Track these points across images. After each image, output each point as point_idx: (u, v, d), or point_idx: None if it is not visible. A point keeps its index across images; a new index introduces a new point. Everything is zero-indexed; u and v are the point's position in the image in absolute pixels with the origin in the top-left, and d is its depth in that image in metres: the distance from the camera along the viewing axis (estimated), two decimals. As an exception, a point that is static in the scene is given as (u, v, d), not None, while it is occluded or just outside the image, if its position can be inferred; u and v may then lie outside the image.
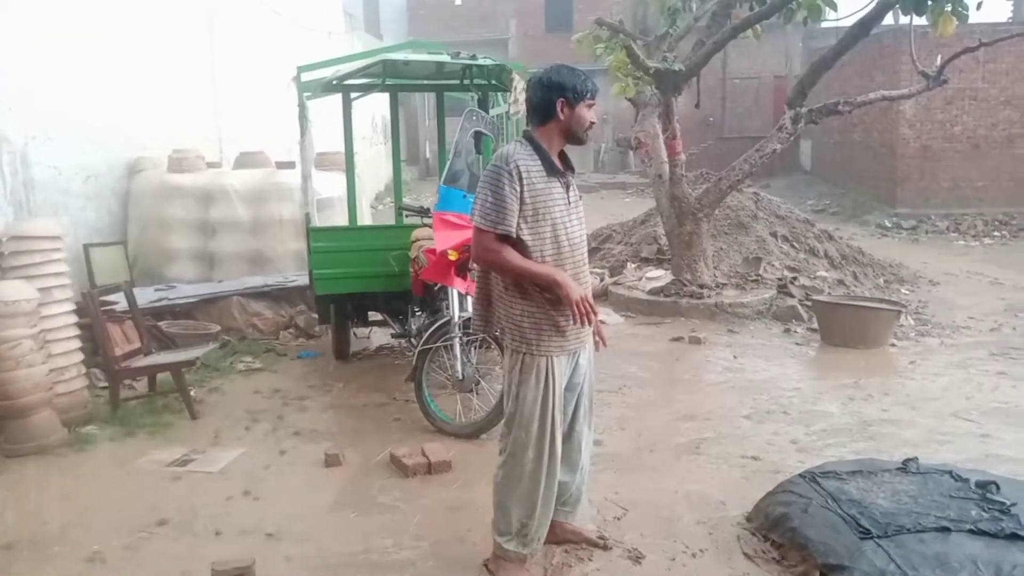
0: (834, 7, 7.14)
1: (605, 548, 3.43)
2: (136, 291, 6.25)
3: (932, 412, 5.20)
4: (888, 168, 15.64)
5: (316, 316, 6.83)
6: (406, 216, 6.42)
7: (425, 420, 4.88)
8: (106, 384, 5.45)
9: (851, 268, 9.08)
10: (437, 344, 4.89)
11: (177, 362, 5.36)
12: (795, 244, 9.16)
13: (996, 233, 13.70)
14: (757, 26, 7.60)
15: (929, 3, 6.48)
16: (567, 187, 3.10)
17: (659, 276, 8.28)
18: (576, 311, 2.93)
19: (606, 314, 7.77)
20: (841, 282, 8.52)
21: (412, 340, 5.77)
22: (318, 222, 6.54)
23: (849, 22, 7.13)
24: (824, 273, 8.62)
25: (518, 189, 2.93)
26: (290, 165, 8.27)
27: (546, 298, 3.00)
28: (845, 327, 6.72)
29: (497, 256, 2.96)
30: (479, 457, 4.42)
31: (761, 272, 8.33)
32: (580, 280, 3.07)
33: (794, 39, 20.71)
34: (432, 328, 4.93)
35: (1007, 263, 11.07)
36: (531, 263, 2.96)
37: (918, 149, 15.22)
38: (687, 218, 7.82)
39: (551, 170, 3.03)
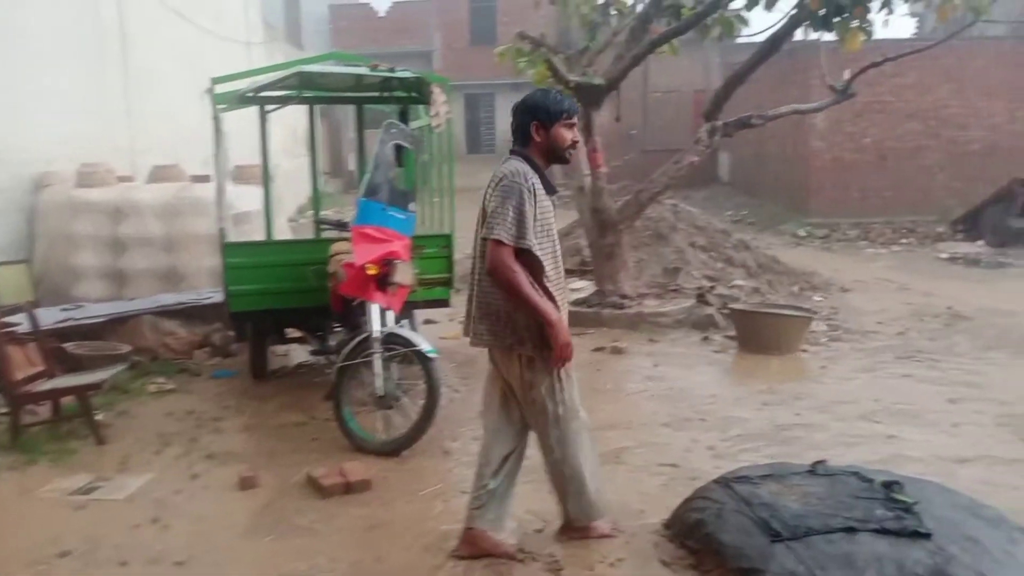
0: (746, 23, 7.38)
1: (523, 562, 3.43)
2: (41, 311, 5.98)
3: (842, 415, 5.37)
4: (801, 179, 16.21)
5: (232, 334, 6.65)
6: (325, 230, 6.32)
7: (344, 439, 4.78)
8: (6, 410, 5.18)
9: (767, 276, 9.36)
10: (357, 360, 4.81)
11: (82, 385, 5.13)
12: (713, 254, 9.39)
13: (903, 240, 14.32)
14: (674, 41, 7.78)
15: (836, 20, 6.78)
16: (554, 206, 3.28)
17: (582, 287, 8.37)
18: (560, 354, 3.16)
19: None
20: (757, 290, 8.76)
21: (331, 357, 5.67)
22: (236, 237, 6.38)
23: (764, 37, 7.39)
24: (741, 282, 8.85)
25: (534, 205, 3.10)
26: (206, 179, 8.06)
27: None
28: (760, 334, 6.90)
29: (513, 275, 3.07)
30: (400, 475, 4.36)
31: (680, 282, 8.51)
32: (566, 297, 3.32)
33: (712, 54, 21.29)
34: (352, 344, 4.86)
35: (913, 269, 11.58)
36: (536, 293, 3.10)
37: (829, 160, 15.83)
38: (609, 230, 7.92)
39: (548, 188, 3.22)
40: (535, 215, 3.11)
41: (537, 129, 3.19)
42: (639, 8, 8.12)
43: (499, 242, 3.06)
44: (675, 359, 6.75)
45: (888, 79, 14.71)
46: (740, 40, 8.55)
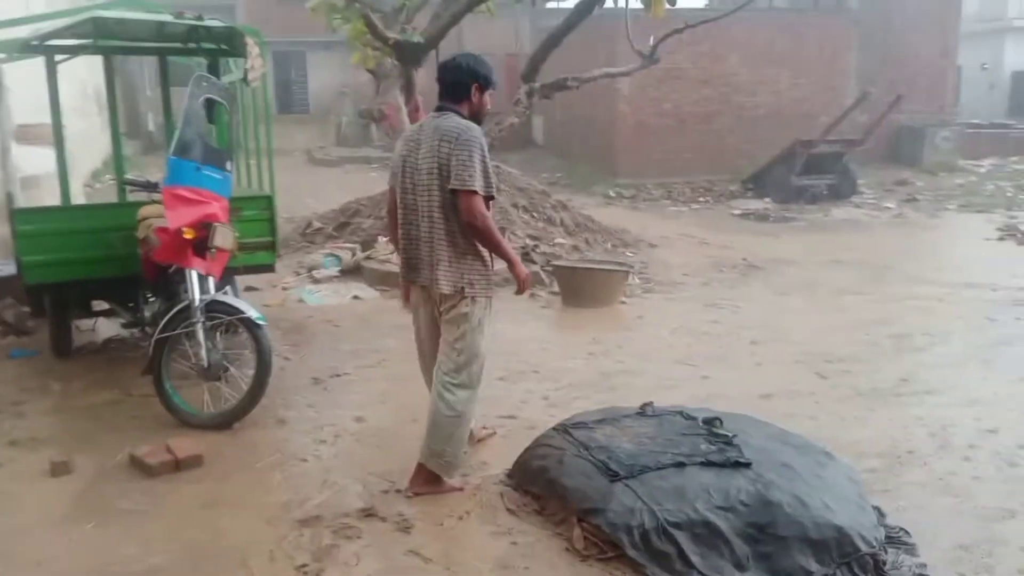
0: (562, -13, 7.54)
1: (462, 490, 3.67)
2: None
3: (660, 360, 5.76)
4: (609, 142, 16.96)
5: (28, 309, 6.00)
6: (131, 192, 5.83)
7: (168, 415, 4.49)
8: None
9: (584, 235, 9.75)
10: (177, 331, 4.51)
11: None
12: (534, 214, 9.64)
13: (701, 199, 15.38)
14: (491, 2, 7.83)
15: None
16: None
17: (409, 249, 8.31)
18: (523, 286, 3.61)
19: (360, 289, 7.67)
20: (576, 248, 9.12)
21: (147, 329, 5.27)
22: (26, 203, 5.72)
23: (574, 2, 7.61)
24: (562, 240, 9.17)
25: (488, 158, 3.39)
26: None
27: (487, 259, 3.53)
28: (583, 289, 7.21)
29: (488, 221, 3.37)
30: (233, 448, 4.18)
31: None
32: None
33: (523, 18, 21.61)
34: (170, 314, 4.54)
35: (711, 225, 12.48)
36: (503, 237, 3.54)
37: (634, 124, 16.66)
38: (434, 190, 7.89)
39: None
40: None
41: (477, 90, 3.50)
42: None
43: (474, 192, 3.31)
44: (506, 315, 6.86)
45: (685, 47, 15.59)
46: (550, 5, 8.79)
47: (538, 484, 3.57)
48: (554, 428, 3.89)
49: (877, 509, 3.41)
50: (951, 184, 16.47)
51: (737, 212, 13.74)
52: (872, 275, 8.71)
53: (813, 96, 17.14)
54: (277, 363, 5.02)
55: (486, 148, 3.40)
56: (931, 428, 4.51)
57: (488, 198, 3.40)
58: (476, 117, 3.52)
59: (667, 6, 7.23)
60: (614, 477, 3.32)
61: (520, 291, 3.68)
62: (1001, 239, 11.20)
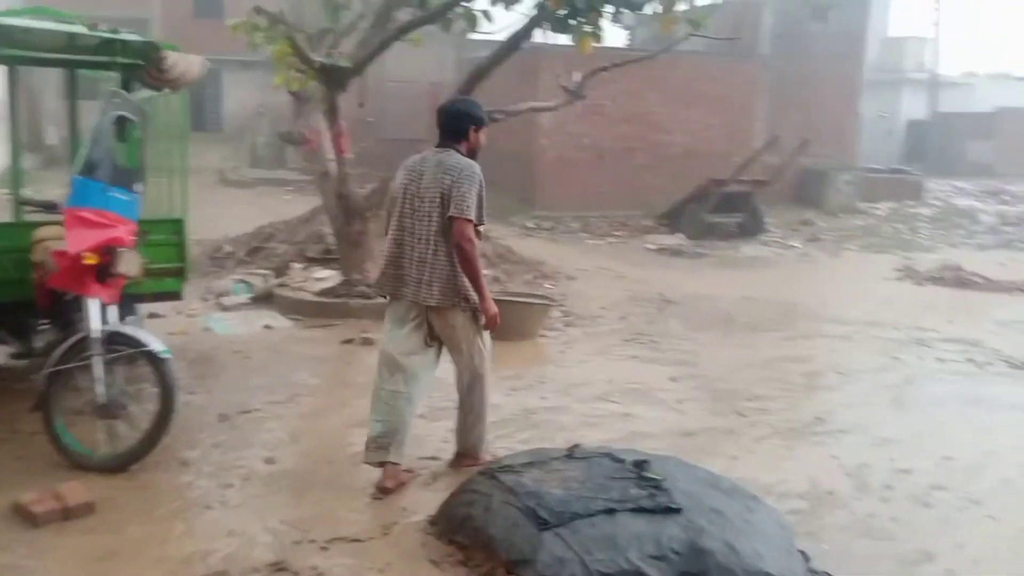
0: (490, 19, 7.52)
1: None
2: None
3: (582, 397, 5.69)
4: (529, 174, 17.07)
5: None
6: (27, 212, 5.42)
7: (58, 456, 4.13)
8: None
9: (504, 266, 9.71)
10: (72, 364, 4.17)
11: None
12: (455, 244, 9.52)
13: (617, 233, 15.58)
14: (418, 32, 7.72)
15: (572, 24, 7.15)
16: None
17: (328, 276, 8.06)
18: (491, 324, 4.04)
19: (272, 318, 7.36)
20: (496, 279, 9.04)
21: (38, 360, 4.85)
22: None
23: (498, 36, 7.60)
24: (485, 271, 9.07)
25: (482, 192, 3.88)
26: None
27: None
28: (505, 321, 7.06)
29: (473, 247, 3.84)
30: (130, 494, 3.85)
31: (426, 271, 8.52)
32: None
33: (447, 48, 21.61)
34: (64, 346, 4.19)
35: (627, 259, 12.66)
36: (481, 270, 3.97)
37: (554, 158, 16.84)
38: (355, 217, 7.70)
39: None
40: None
41: (474, 130, 4.02)
42: (385, -7, 7.96)
43: (468, 220, 3.79)
44: (424, 349, 6.74)
45: (605, 85, 15.80)
46: (474, 37, 8.78)
47: (463, 533, 3.42)
48: (480, 472, 3.76)
49: (803, 553, 3.40)
50: (852, 225, 17.25)
51: (652, 247, 13.98)
52: (782, 312, 8.94)
53: (725, 137, 17.71)
54: (181, 398, 4.70)
55: (483, 184, 3.88)
56: (848, 468, 4.57)
57: (477, 227, 3.87)
58: (472, 152, 4.03)
59: (593, 44, 7.29)
60: (543, 525, 3.19)
61: (488, 327, 4.05)
62: (900, 279, 11.74)
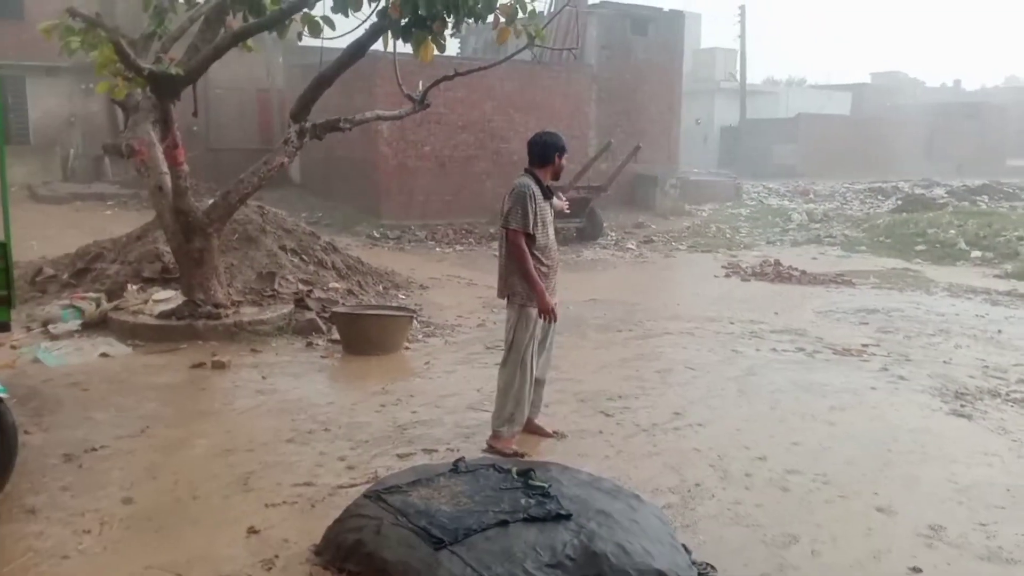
0: (332, 26, 7.32)
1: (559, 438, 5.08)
2: None
3: (453, 408, 5.68)
4: (372, 183, 16.83)
5: None
6: None
7: None
8: None
9: (356, 278, 9.50)
10: None
11: None
12: (304, 257, 9.22)
13: (464, 240, 15.72)
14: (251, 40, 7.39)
15: (414, 31, 7.10)
16: (551, 207, 4.91)
17: (168, 297, 7.53)
18: (546, 315, 4.77)
19: (108, 345, 6.80)
20: (351, 292, 8.84)
21: None
22: None
23: (333, 43, 7.43)
24: (336, 284, 8.85)
25: (533, 206, 4.66)
26: None
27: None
28: (366, 336, 6.97)
29: (523, 252, 4.65)
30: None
31: (276, 287, 8.18)
32: (556, 271, 4.96)
33: (275, 54, 20.88)
34: None
35: (476, 266, 12.77)
36: (532, 269, 4.67)
37: (396, 166, 16.70)
38: (195, 234, 7.24)
39: (545, 195, 4.82)
40: (535, 212, 4.66)
41: (559, 156, 4.84)
42: (213, -4, 7.55)
43: (516, 230, 4.63)
44: (283, 368, 6.47)
45: (442, 93, 15.82)
46: (303, 44, 8.53)
47: (354, 560, 3.30)
48: (365, 495, 3.65)
49: (684, 547, 3.56)
50: (680, 227, 18.34)
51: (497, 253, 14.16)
52: (627, 312, 9.35)
53: (561, 143, 18.28)
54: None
55: (530, 198, 4.65)
56: (709, 459, 4.85)
57: (529, 236, 4.66)
58: (557, 174, 4.91)
59: (435, 52, 7.28)
60: (438, 544, 3.16)
61: (546, 320, 4.82)
62: (727, 275, 12.60)
